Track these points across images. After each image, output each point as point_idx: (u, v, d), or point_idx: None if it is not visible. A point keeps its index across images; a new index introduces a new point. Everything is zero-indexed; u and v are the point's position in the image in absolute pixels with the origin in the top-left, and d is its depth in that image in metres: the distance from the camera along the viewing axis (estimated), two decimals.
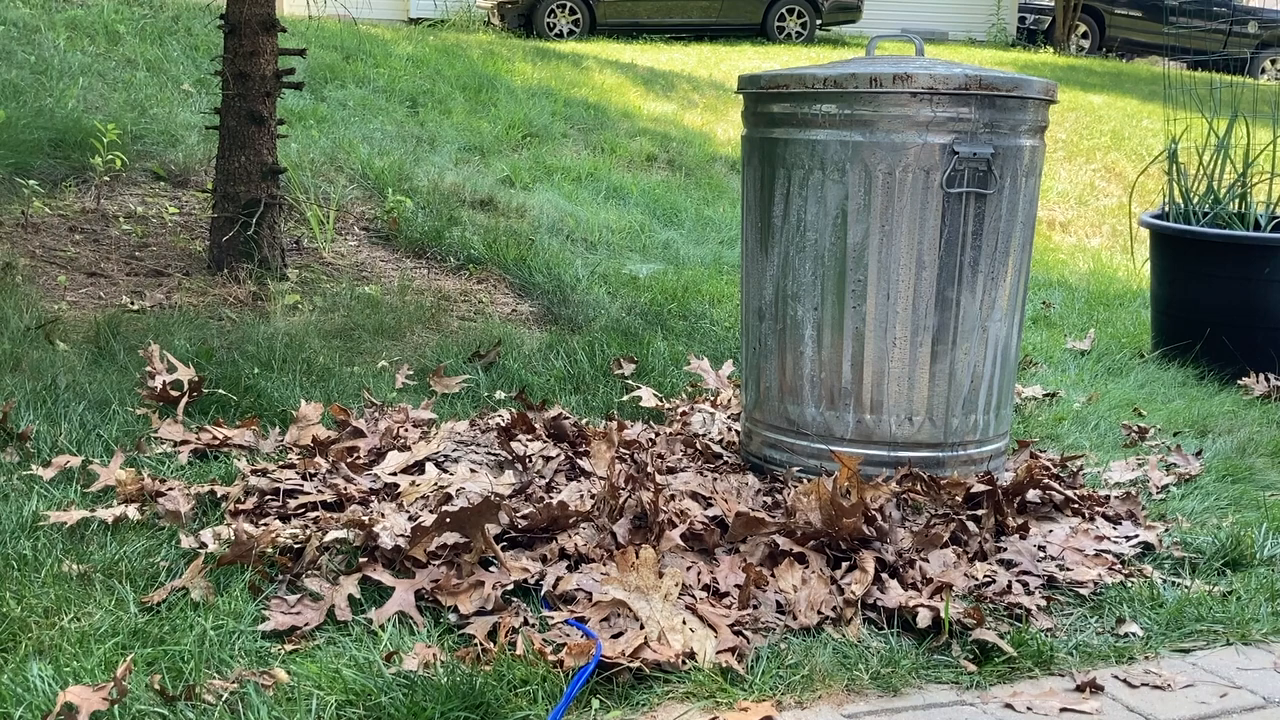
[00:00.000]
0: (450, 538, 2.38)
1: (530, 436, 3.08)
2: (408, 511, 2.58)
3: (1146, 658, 2.29)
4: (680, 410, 3.53)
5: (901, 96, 2.71)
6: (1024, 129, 2.83)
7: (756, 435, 3.05)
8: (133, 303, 4.11)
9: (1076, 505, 2.90)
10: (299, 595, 2.25)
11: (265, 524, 2.54)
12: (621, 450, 2.98)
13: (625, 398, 3.64)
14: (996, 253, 2.83)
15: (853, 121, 2.76)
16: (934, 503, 2.80)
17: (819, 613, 2.30)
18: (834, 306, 2.83)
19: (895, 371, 2.82)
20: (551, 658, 2.04)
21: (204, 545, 2.43)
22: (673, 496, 2.68)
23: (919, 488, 2.84)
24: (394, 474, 2.83)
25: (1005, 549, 2.64)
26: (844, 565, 2.46)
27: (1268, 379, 4.26)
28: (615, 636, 2.14)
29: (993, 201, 2.79)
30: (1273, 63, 17.25)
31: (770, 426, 3.00)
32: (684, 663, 2.09)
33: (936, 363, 2.83)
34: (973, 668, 2.19)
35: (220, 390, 3.32)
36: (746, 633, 2.21)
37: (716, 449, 3.17)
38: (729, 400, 3.62)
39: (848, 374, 2.84)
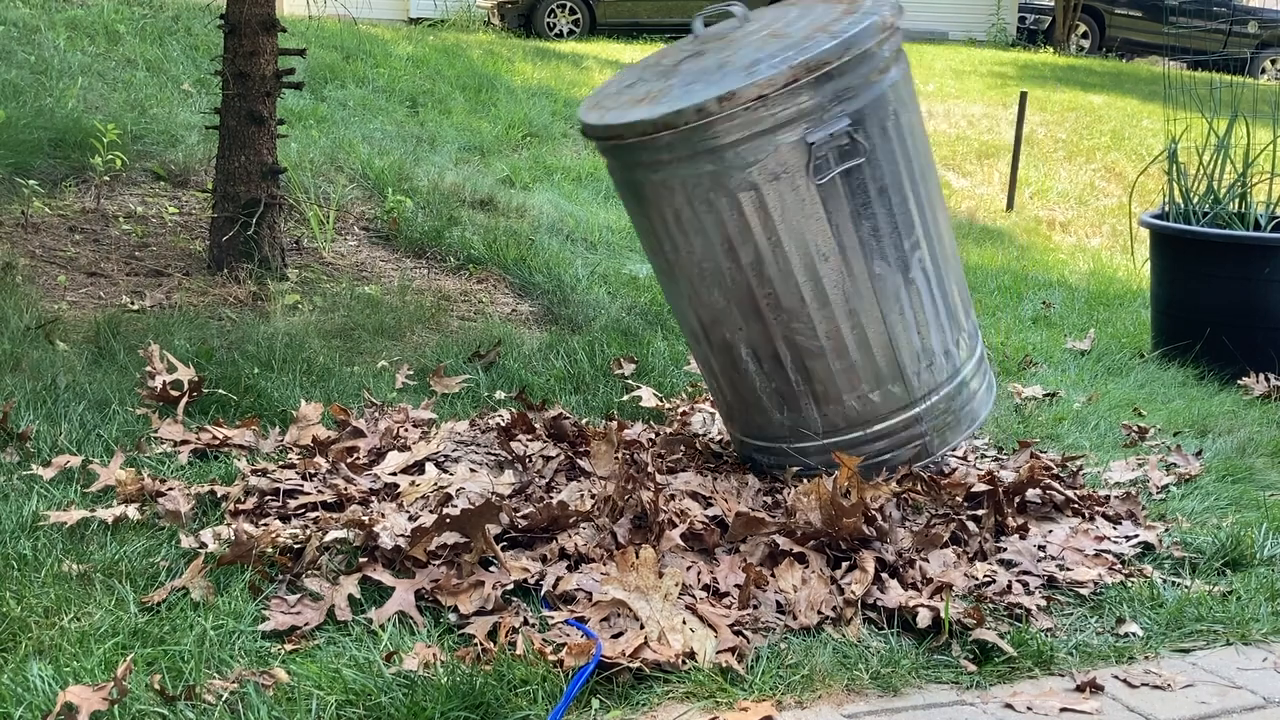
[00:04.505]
0: (450, 538, 2.38)
1: (530, 436, 3.08)
2: (408, 511, 2.58)
3: (1146, 658, 2.29)
4: (680, 410, 3.53)
5: (734, 115, 2.50)
6: (875, 75, 2.60)
7: (737, 440, 3.05)
8: (133, 303, 4.11)
9: (1076, 505, 2.90)
10: (299, 595, 2.25)
11: (265, 524, 2.54)
12: (621, 450, 2.98)
13: (625, 398, 3.64)
14: (893, 206, 2.66)
15: (698, 154, 2.56)
16: (934, 502, 2.80)
17: (819, 613, 2.30)
18: (756, 322, 2.72)
19: (840, 361, 2.72)
20: (551, 658, 2.04)
21: (204, 545, 2.43)
22: (673, 496, 2.68)
23: (919, 487, 2.84)
24: (394, 474, 2.83)
25: (1005, 549, 2.64)
26: (844, 565, 2.46)
27: (1268, 379, 4.26)
28: (615, 636, 2.14)
29: (868, 165, 2.60)
30: (1273, 63, 17.25)
31: (745, 434, 2.98)
32: (684, 663, 2.09)
33: (877, 335, 2.71)
34: (973, 668, 2.19)
35: (220, 390, 3.32)
36: (746, 633, 2.21)
37: (716, 449, 3.17)
38: None
39: (795, 378, 2.76)
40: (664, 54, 2.97)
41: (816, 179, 2.56)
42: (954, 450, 3.17)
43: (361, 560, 2.34)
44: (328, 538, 2.42)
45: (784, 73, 2.48)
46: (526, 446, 3.00)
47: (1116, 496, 2.99)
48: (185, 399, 3.19)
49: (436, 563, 2.34)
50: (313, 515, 2.58)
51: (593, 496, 2.65)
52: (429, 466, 2.85)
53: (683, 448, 3.13)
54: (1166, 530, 2.85)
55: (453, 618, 2.21)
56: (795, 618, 2.28)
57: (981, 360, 2.99)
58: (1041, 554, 2.65)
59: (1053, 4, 18.33)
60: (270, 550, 2.37)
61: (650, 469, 2.82)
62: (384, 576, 2.28)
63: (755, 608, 2.30)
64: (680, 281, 2.80)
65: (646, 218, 2.76)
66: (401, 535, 2.40)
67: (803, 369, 2.74)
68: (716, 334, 2.80)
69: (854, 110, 2.56)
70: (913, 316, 2.73)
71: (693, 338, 2.93)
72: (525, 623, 2.20)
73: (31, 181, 4.99)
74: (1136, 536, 2.77)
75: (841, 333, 2.69)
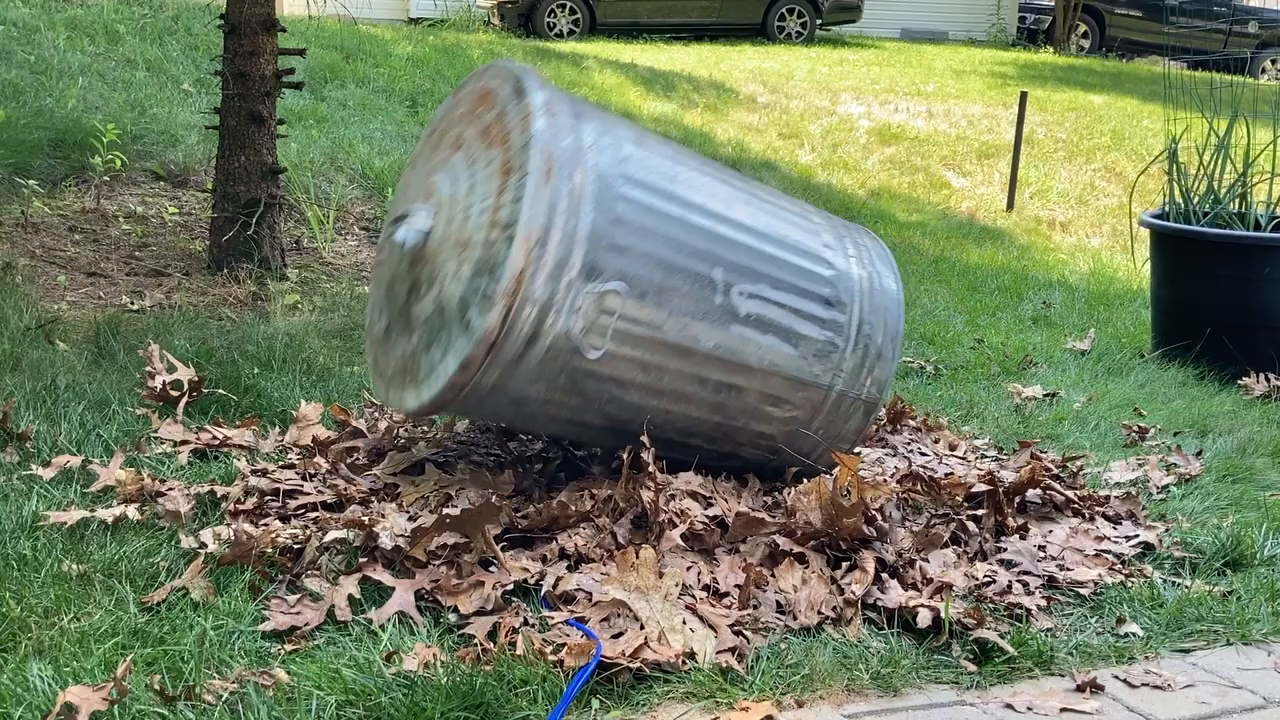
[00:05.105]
0: (450, 538, 2.38)
1: (530, 436, 3.08)
2: (408, 511, 2.58)
3: (1146, 658, 2.29)
4: None
5: (484, 369, 2.41)
6: (571, 220, 2.39)
7: None
8: (133, 303, 4.11)
9: (1077, 505, 2.90)
10: (299, 595, 2.25)
11: (265, 524, 2.54)
12: None
13: None
14: (679, 286, 2.54)
15: (485, 399, 2.51)
16: (934, 503, 2.80)
17: (819, 613, 2.30)
18: (658, 433, 2.68)
19: (743, 417, 2.72)
20: (551, 658, 2.04)
21: (204, 545, 2.43)
22: (673, 496, 2.67)
23: (919, 487, 2.84)
24: (394, 474, 2.83)
25: (1005, 549, 2.64)
26: (844, 565, 2.46)
27: (1268, 379, 4.26)
28: (615, 636, 2.14)
29: (629, 286, 2.47)
30: (1273, 63, 17.25)
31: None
32: (684, 663, 2.09)
33: (754, 378, 2.67)
34: (973, 668, 2.19)
35: (220, 390, 3.32)
36: (746, 633, 2.21)
37: None
38: None
39: (723, 444, 2.78)
40: (393, 274, 2.76)
41: (596, 353, 2.48)
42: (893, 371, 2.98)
43: (361, 560, 2.34)
44: (328, 538, 2.42)
45: (495, 316, 2.35)
46: (527, 446, 3.00)
47: (1116, 496, 2.99)
48: (185, 399, 3.19)
49: (436, 563, 2.34)
50: (313, 515, 2.58)
51: (593, 496, 2.65)
52: (429, 466, 2.85)
53: None
54: (1167, 530, 2.85)
55: (453, 618, 2.21)
56: (795, 618, 2.28)
57: (860, 264, 2.84)
58: (1041, 554, 2.65)
59: (1053, 4, 18.32)
60: (270, 550, 2.37)
61: (650, 469, 2.82)
62: (384, 576, 2.28)
63: (755, 608, 2.30)
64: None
65: None
66: (401, 535, 2.40)
67: (722, 438, 2.76)
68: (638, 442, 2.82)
69: (575, 275, 2.40)
70: (772, 338, 2.67)
71: None
72: (525, 623, 2.20)
73: (31, 181, 4.99)
74: (1136, 536, 2.77)
75: (727, 402, 2.69)
